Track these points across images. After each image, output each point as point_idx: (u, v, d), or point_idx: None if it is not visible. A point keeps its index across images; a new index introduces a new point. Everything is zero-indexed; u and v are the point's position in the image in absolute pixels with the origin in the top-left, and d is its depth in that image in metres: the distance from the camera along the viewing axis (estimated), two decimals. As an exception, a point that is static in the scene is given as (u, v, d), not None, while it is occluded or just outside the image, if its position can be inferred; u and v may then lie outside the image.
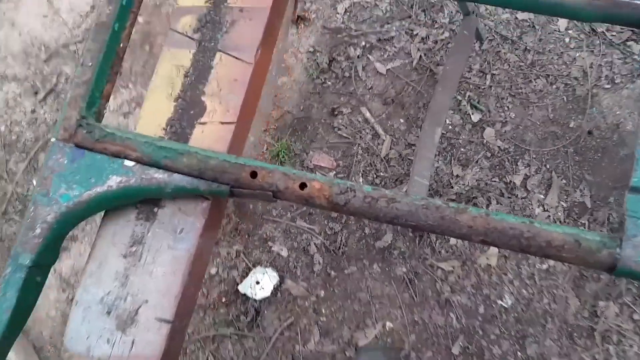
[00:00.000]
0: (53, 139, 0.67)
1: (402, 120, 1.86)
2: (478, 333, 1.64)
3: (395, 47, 1.95)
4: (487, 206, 1.71)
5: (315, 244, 1.78)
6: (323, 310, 1.75)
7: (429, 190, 1.71)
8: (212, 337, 1.77)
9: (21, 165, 2.03)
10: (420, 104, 1.86)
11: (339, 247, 1.77)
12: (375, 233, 1.77)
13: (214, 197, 0.68)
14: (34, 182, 2.01)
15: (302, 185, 0.62)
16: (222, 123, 0.69)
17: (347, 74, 1.95)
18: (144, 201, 0.69)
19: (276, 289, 1.75)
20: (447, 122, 1.81)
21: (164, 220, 0.68)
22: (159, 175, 0.64)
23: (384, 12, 2.00)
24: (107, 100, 0.70)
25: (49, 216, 0.65)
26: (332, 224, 1.80)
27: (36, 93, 2.16)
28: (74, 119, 0.66)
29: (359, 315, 1.72)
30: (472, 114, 1.80)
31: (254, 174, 0.63)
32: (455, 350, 1.63)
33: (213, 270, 1.80)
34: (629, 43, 1.80)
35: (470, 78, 1.85)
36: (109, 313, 0.67)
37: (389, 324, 1.69)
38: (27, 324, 1.87)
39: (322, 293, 1.74)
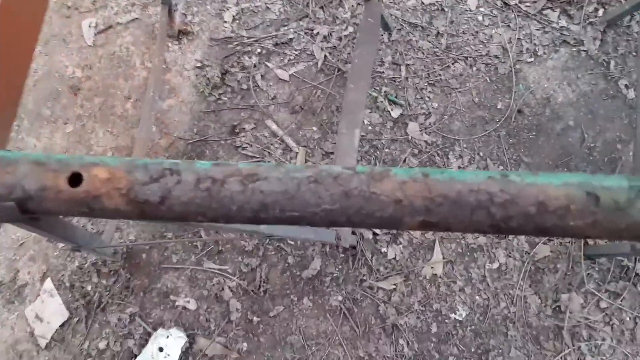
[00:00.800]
0: None
1: (315, 128, 1.63)
2: (434, 357, 1.39)
3: (295, 50, 1.74)
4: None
5: (229, 287, 1.49)
6: (251, 367, 1.43)
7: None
8: None
9: None
10: (332, 107, 1.65)
11: (259, 286, 1.48)
12: (300, 261, 1.50)
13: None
14: None
15: (75, 179, 0.34)
16: None
17: (244, 86, 1.71)
18: None
19: (185, 353, 1.43)
20: (366, 122, 1.60)
21: None
22: None
23: (278, 14, 1.80)
24: None
25: None
26: (248, 259, 1.52)
27: None
28: None
29: (295, 364, 1.42)
30: (392, 110, 1.61)
31: None
32: (413, 384, 1.36)
33: (102, 345, 1.45)
34: (545, 12, 1.70)
35: (383, 72, 1.66)
36: None
37: (332, 368, 1.40)
38: None
39: (245, 346, 1.44)
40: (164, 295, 1.52)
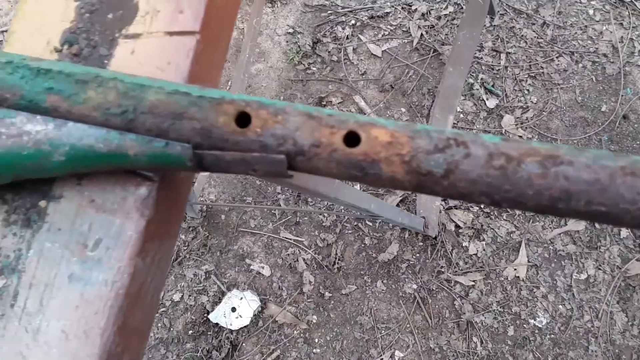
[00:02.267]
0: None
1: (403, 110, 1.54)
2: (508, 361, 1.32)
3: (391, 25, 1.64)
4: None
5: (304, 259, 1.44)
6: (316, 340, 1.40)
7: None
8: (179, 381, 1.39)
9: None
10: (424, 89, 1.55)
11: (334, 263, 1.42)
12: (377, 243, 1.43)
13: (163, 173, 0.33)
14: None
15: (352, 139, 0.28)
16: (170, 34, 0.34)
17: (335, 58, 1.62)
18: (20, 188, 0.33)
19: (257, 317, 1.40)
20: (458, 109, 1.49)
21: (61, 225, 0.33)
22: (36, 128, 0.29)
23: (377, -14, 1.69)
24: None
25: None
26: (325, 234, 1.46)
27: None
28: None
29: (361, 344, 1.37)
30: (487, 99, 1.50)
31: (243, 118, 0.29)
32: (482, 384, 1.30)
33: (177, 297, 1.43)
34: (663, 13, 1.54)
35: (482, 58, 1.55)
36: None
37: (398, 354, 1.35)
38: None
39: (315, 319, 1.39)
40: (240, 257, 1.49)
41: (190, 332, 1.46)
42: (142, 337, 0.37)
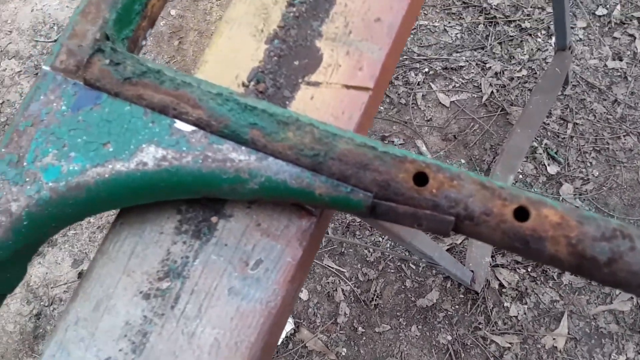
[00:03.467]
0: (46, 67, 0.35)
1: (463, 161, 1.56)
2: None
3: (463, 78, 1.67)
4: (559, 276, 1.39)
5: (343, 290, 1.45)
6: (342, 373, 1.40)
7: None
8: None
9: None
10: (487, 144, 1.57)
11: (372, 299, 1.44)
12: (418, 288, 1.44)
13: (324, 210, 0.36)
14: None
15: (521, 213, 0.30)
16: (348, 87, 0.38)
17: (403, 101, 1.66)
18: (194, 202, 0.37)
19: (288, 338, 1.41)
20: (519, 169, 1.51)
21: (228, 241, 0.36)
22: (240, 157, 0.33)
23: (453, 39, 1.74)
24: (151, 25, 0.39)
25: (15, 202, 0.33)
26: (367, 269, 1.47)
27: (37, 74, 1.85)
28: (90, 37, 0.35)
29: (386, 386, 1.37)
30: (549, 164, 1.51)
31: (421, 178, 0.32)
32: None
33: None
34: None
35: (548, 124, 1.57)
36: None
37: (422, 403, 1.34)
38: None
39: (344, 351, 1.40)
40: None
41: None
42: (271, 356, 0.40)
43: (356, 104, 0.40)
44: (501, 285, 1.45)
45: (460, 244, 1.51)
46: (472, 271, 1.33)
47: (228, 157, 0.34)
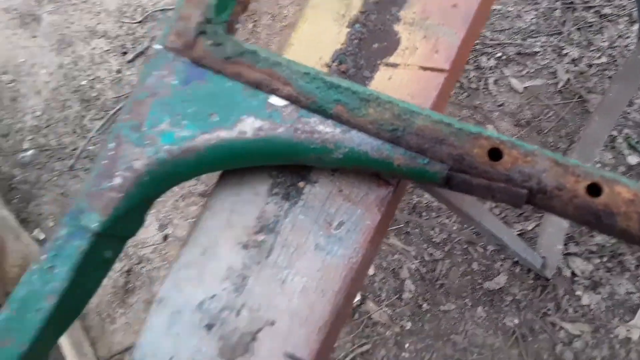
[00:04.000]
0: (157, 46, 0.40)
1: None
2: (603, 421, 1.24)
3: (538, 64, 1.60)
4: (637, 267, 1.31)
5: (408, 268, 1.46)
6: (407, 345, 1.41)
7: (566, 234, 1.34)
8: None
9: (97, 123, 1.85)
10: (562, 132, 1.50)
11: (437, 278, 1.43)
12: (485, 271, 1.42)
13: (401, 181, 0.38)
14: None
15: (593, 189, 0.31)
16: (424, 69, 0.40)
17: (474, 85, 1.62)
18: (284, 168, 0.41)
19: (354, 309, 1.43)
20: (596, 159, 1.43)
21: (313, 204, 0.40)
22: (326, 129, 0.36)
23: (528, 24, 1.67)
24: (244, 10, 0.42)
25: (138, 161, 0.38)
26: (433, 250, 1.47)
27: (124, 53, 2.00)
28: (194, 20, 0.39)
29: (450, 363, 1.36)
30: (629, 154, 1.42)
31: (495, 153, 0.33)
32: None
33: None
34: None
35: (629, 113, 1.47)
36: (209, 328, 0.39)
37: (486, 382, 1.32)
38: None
39: (409, 325, 1.41)
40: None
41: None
42: (345, 316, 0.43)
43: (432, 84, 0.41)
44: (573, 273, 1.39)
45: (531, 230, 1.46)
46: (544, 257, 1.29)
47: (315, 129, 0.37)
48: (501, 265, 1.44)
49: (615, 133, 1.48)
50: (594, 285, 1.37)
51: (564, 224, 1.33)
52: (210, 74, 0.39)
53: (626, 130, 1.49)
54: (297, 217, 0.41)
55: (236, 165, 0.40)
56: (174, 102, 0.39)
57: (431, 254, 1.50)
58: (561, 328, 1.36)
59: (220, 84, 0.39)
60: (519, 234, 1.47)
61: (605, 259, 1.38)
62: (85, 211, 0.38)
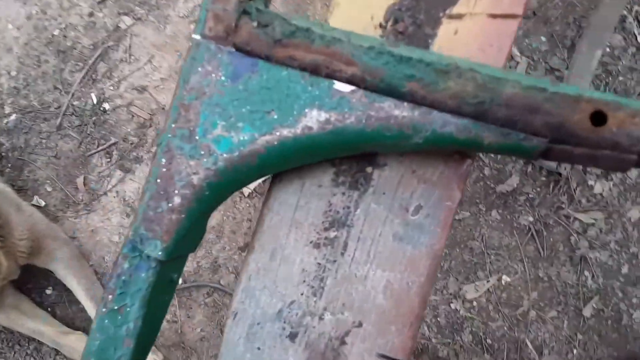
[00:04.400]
0: (196, 36, 0.34)
1: (543, 39, 1.44)
2: (617, 295, 1.34)
3: (538, -58, 1.48)
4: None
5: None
6: (426, 256, 1.45)
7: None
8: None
9: (77, 75, 1.73)
10: (570, 18, 1.43)
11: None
12: (496, 174, 1.43)
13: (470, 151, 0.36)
14: (93, 97, 1.69)
15: None
16: (494, 16, 0.35)
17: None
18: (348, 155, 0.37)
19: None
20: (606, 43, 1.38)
21: (385, 189, 0.37)
22: (403, 113, 0.32)
23: None
24: None
25: (195, 175, 0.34)
26: (445, 160, 1.46)
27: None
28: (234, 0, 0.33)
29: (469, 266, 1.43)
30: (639, 34, 1.36)
31: (599, 117, 0.30)
32: (587, 312, 1.34)
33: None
34: None
35: (638, -15, 1.38)
36: (293, 337, 0.38)
37: (505, 278, 1.40)
38: (88, 248, 1.66)
39: (432, 239, 1.44)
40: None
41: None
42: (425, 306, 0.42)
43: (505, 33, 0.37)
44: (584, 164, 1.41)
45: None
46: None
47: (391, 114, 0.33)
48: (513, 166, 1.46)
49: (625, 12, 1.42)
50: (606, 173, 1.39)
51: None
52: (262, 63, 0.34)
53: (636, 8, 1.42)
54: (370, 206, 0.38)
55: (303, 162, 0.36)
56: (225, 101, 0.34)
57: (442, 164, 1.51)
58: (575, 219, 1.41)
59: (274, 75, 0.34)
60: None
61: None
62: (146, 239, 0.35)
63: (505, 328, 1.44)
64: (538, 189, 1.44)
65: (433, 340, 1.50)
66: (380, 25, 0.38)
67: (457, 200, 0.37)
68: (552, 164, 1.30)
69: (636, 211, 1.37)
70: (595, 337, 1.37)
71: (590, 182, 1.40)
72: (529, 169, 1.45)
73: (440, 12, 0.38)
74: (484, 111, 0.32)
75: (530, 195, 1.44)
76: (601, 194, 1.39)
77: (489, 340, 1.45)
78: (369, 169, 0.38)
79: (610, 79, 1.42)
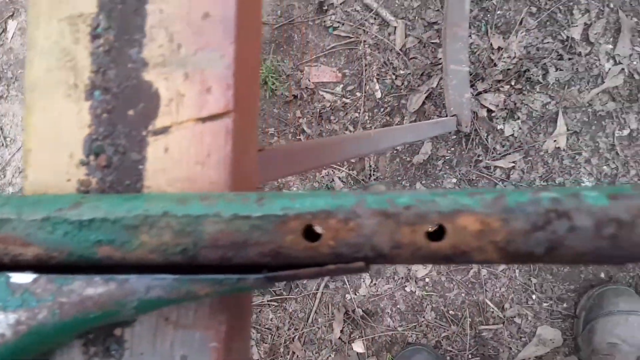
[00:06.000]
0: None
1: (410, -6, 1.42)
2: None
3: None
4: (544, 76, 1.34)
5: (339, 177, 1.45)
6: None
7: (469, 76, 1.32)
8: (254, 311, 1.50)
9: None
10: (429, -35, 1.40)
11: (370, 175, 1.43)
12: (409, 147, 1.43)
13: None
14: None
15: (436, 231, 0.26)
16: (203, 120, 0.31)
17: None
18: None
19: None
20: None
21: (142, 349, 0.33)
22: (98, 291, 0.28)
23: None
24: None
25: None
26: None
27: None
28: None
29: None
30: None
31: (312, 232, 0.27)
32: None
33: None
34: None
35: None
36: None
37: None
38: None
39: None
40: (276, 189, 1.52)
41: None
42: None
43: (220, 137, 0.33)
44: (489, 110, 1.41)
45: (437, 85, 1.44)
46: (455, 115, 1.28)
47: (84, 295, 0.29)
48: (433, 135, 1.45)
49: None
50: (511, 113, 1.40)
51: (465, 68, 1.31)
52: None
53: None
54: (128, 373, 0.34)
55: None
56: None
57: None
58: (495, 167, 1.41)
59: None
60: (427, 95, 1.45)
61: (513, 82, 1.40)
62: None
63: (463, 295, 1.45)
64: (452, 149, 1.44)
65: (399, 328, 1.50)
66: (82, 163, 0.34)
67: (223, 336, 0.33)
68: (454, 129, 1.29)
69: (550, 141, 1.38)
70: (549, 276, 1.40)
71: (500, 127, 1.41)
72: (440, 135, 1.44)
73: (142, 131, 0.33)
74: (191, 258, 0.29)
75: (447, 158, 1.44)
76: (513, 136, 1.40)
77: (451, 312, 1.46)
78: (117, 331, 0.34)
79: (489, 16, 1.41)
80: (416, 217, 0.27)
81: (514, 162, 1.40)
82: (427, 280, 1.48)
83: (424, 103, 1.43)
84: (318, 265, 0.29)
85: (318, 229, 0.28)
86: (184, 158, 0.33)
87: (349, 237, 0.28)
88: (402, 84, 1.45)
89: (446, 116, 1.32)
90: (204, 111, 0.33)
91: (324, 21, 1.48)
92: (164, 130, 0.33)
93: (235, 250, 0.28)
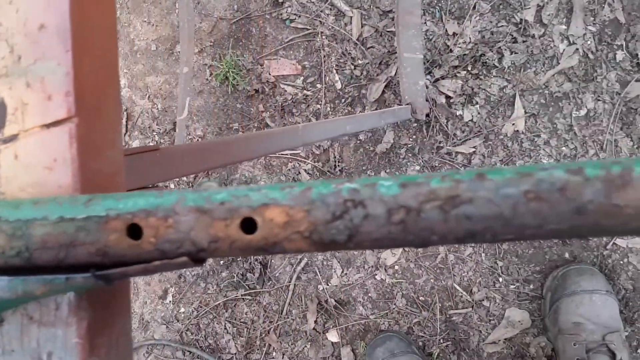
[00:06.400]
0: None
1: (365, -17, 1.42)
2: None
3: None
4: (500, 60, 1.35)
5: (305, 170, 1.46)
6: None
7: (424, 63, 1.33)
8: (223, 304, 1.52)
9: None
10: (382, -46, 1.40)
11: (335, 166, 1.45)
12: (372, 136, 1.44)
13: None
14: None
15: (248, 225, 0.28)
16: (48, 126, 0.32)
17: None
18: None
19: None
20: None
21: (12, 346, 0.35)
22: None
23: None
24: None
25: None
26: (320, 143, 1.45)
27: None
28: None
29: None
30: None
31: (135, 230, 0.28)
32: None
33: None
34: None
35: None
36: None
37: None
38: None
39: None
40: (244, 184, 1.53)
41: (221, 262, 1.56)
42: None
43: (63, 142, 0.34)
44: (447, 97, 1.42)
45: (395, 75, 1.45)
46: (409, 103, 1.29)
47: None
48: (386, 125, 1.46)
49: None
50: (469, 98, 1.41)
51: (418, 55, 1.32)
52: None
53: None
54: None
55: None
56: None
57: (319, 146, 1.50)
58: (457, 153, 1.43)
59: None
60: (386, 84, 1.46)
61: (469, 67, 1.41)
62: None
63: (432, 280, 1.47)
64: (414, 137, 1.45)
65: (371, 317, 1.52)
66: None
67: (84, 331, 0.35)
68: (410, 117, 1.30)
69: (509, 125, 1.39)
70: (514, 258, 1.42)
71: (459, 113, 1.42)
72: (399, 121, 1.45)
73: (-9, 141, 0.35)
74: (28, 260, 0.30)
75: (409, 145, 1.45)
76: (472, 121, 1.41)
77: (421, 298, 1.48)
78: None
79: (442, 2, 1.42)
80: (228, 211, 0.29)
81: (474, 147, 1.41)
82: (396, 267, 1.50)
83: (383, 92, 1.45)
84: (146, 262, 0.30)
85: (140, 227, 0.30)
86: (33, 164, 0.35)
87: (169, 233, 0.29)
88: (362, 73, 1.46)
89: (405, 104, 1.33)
90: (47, 118, 0.34)
91: (281, 14, 1.49)
92: (13, 138, 0.35)
93: (65, 251, 0.30)
